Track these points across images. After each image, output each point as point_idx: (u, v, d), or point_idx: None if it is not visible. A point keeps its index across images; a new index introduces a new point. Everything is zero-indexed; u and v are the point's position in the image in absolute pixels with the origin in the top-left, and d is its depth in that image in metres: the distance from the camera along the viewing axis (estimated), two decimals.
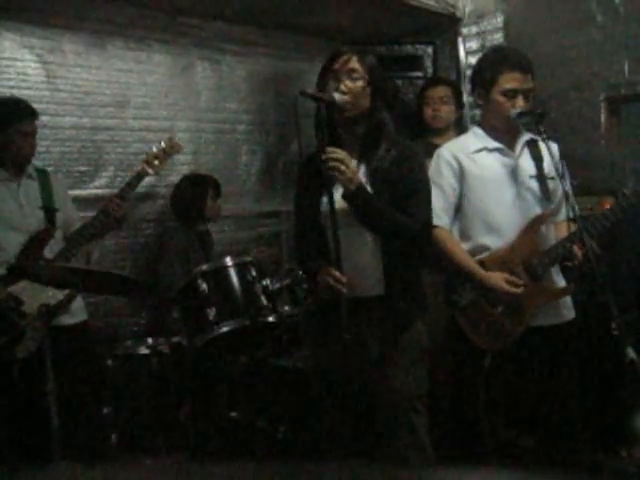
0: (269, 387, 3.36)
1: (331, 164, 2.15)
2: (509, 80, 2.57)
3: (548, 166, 2.61)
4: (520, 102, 2.56)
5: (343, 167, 2.16)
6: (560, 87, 3.83)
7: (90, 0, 3.65)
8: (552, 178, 2.60)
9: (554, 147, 2.53)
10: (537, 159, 2.65)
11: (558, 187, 2.58)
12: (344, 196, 2.20)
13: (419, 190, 2.32)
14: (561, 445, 2.65)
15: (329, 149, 2.17)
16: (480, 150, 2.66)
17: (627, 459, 3.00)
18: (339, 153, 2.17)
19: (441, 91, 3.63)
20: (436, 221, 2.50)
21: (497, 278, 2.56)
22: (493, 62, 2.64)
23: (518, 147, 2.67)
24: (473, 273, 2.59)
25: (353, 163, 2.25)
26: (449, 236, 2.64)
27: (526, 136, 2.68)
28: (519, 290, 2.55)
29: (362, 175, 2.29)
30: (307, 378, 3.04)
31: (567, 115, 3.83)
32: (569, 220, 2.45)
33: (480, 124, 2.76)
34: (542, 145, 2.59)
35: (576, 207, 2.39)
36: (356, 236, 2.27)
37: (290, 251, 4.18)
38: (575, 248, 2.50)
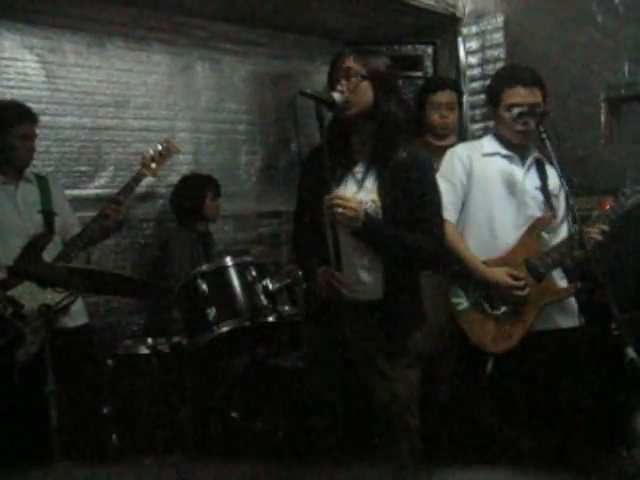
0: (269, 387, 3.36)
1: (335, 211, 2.13)
2: (512, 95, 2.62)
3: (552, 184, 2.68)
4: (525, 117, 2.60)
5: (341, 210, 2.13)
6: (560, 87, 3.82)
7: (90, 0, 3.65)
8: (555, 196, 2.66)
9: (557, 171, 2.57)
10: (543, 175, 2.71)
11: (560, 205, 2.67)
12: (352, 233, 2.19)
13: (433, 203, 2.31)
14: (561, 445, 2.65)
15: (326, 197, 2.14)
16: (493, 154, 2.71)
17: (627, 459, 3.00)
18: (336, 198, 2.14)
19: (448, 96, 3.54)
20: (444, 215, 2.51)
21: (500, 273, 2.57)
22: (498, 80, 2.73)
23: (528, 160, 2.73)
24: (476, 269, 2.60)
25: (352, 186, 2.24)
26: (454, 231, 2.65)
27: (535, 153, 2.74)
28: (522, 284, 2.56)
29: (371, 181, 2.28)
30: (306, 378, 3.04)
31: (567, 115, 3.82)
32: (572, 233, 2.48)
33: (494, 133, 2.81)
34: (548, 166, 2.68)
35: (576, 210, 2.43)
36: (354, 239, 2.27)
37: (290, 251, 4.18)
38: (601, 227, 2.51)
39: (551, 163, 2.55)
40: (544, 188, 2.68)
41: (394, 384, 2.28)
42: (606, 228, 2.52)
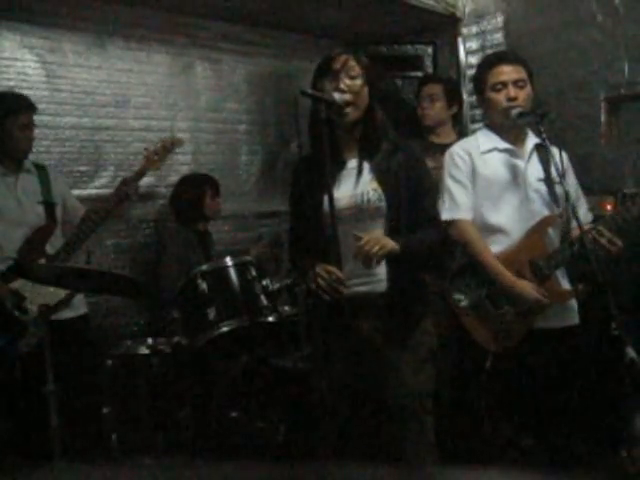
0: (269, 387, 3.36)
1: (373, 252, 2.15)
2: (495, 75, 2.63)
3: (556, 170, 2.62)
4: (511, 92, 2.59)
5: (378, 250, 2.15)
6: (560, 87, 3.82)
7: (90, 0, 3.65)
8: (559, 182, 2.62)
9: (564, 154, 2.55)
10: (545, 163, 2.67)
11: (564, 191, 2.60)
12: (396, 258, 2.22)
13: (429, 191, 2.38)
14: (561, 445, 2.65)
15: (358, 245, 2.15)
16: (491, 150, 2.69)
17: (627, 459, 3.00)
18: (369, 240, 2.15)
19: (431, 89, 3.66)
20: (460, 214, 2.51)
21: (527, 287, 2.56)
22: (481, 65, 2.76)
23: (527, 150, 2.69)
24: (498, 274, 2.58)
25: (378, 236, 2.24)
26: (473, 229, 2.65)
27: (534, 139, 2.71)
28: (546, 300, 2.55)
29: (366, 173, 2.30)
30: (307, 378, 3.04)
31: (567, 115, 3.82)
32: (582, 226, 2.46)
33: (487, 125, 2.79)
34: (550, 149, 2.61)
35: (589, 213, 2.41)
36: (359, 231, 2.26)
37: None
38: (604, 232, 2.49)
39: (543, 139, 2.53)
40: (547, 178, 2.65)
41: (407, 379, 2.27)
42: (620, 244, 2.49)
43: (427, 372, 2.32)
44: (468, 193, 2.66)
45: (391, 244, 2.18)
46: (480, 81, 2.70)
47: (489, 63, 2.69)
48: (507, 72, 2.61)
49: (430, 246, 2.33)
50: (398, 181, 2.27)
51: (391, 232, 2.27)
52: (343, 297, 2.18)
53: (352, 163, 2.35)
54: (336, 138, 2.35)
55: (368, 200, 2.28)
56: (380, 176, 2.29)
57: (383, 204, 2.27)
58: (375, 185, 2.28)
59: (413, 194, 2.28)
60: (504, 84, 2.61)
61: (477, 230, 2.66)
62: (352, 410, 2.36)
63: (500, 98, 2.61)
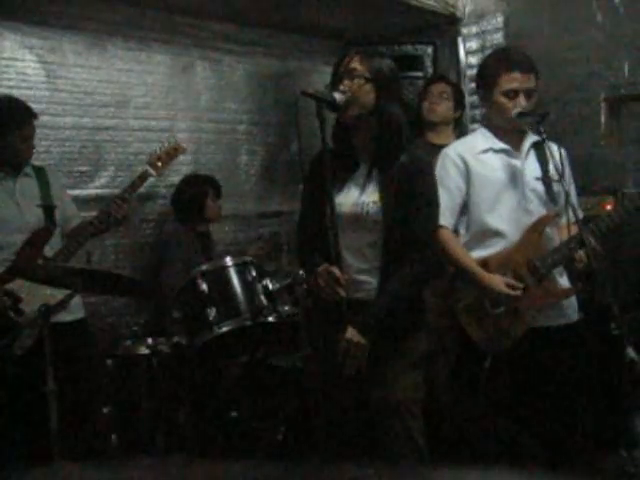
0: (269, 387, 3.36)
1: (349, 360, 2.19)
2: (509, 81, 2.59)
3: (554, 168, 2.62)
4: (522, 101, 2.57)
5: (353, 356, 2.19)
6: (560, 87, 3.82)
7: (90, 0, 3.66)
8: (557, 180, 2.61)
9: (562, 151, 2.55)
10: (543, 161, 2.66)
11: (562, 191, 2.60)
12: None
13: (427, 208, 2.30)
14: (561, 445, 2.65)
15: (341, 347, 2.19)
16: (486, 151, 2.67)
17: (627, 459, 3.00)
18: (347, 350, 2.19)
19: (441, 87, 3.68)
20: (440, 220, 2.50)
21: (497, 280, 2.56)
22: (494, 63, 2.67)
23: (524, 148, 2.68)
24: (474, 274, 2.59)
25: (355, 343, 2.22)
26: (451, 236, 2.64)
27: (532, 137, 2.69)
28: (518, 293, 2.55)
29: (374, 182, 2.29)
30: (306, 378, 3.04)
31: (567, 115, 3.82)
32: (570, 223, 2.46)
33: (485, 124, 2.77)
34: (549, 147, 2.60)
35: (578, 210, 2.41)
36: (356, 241, 2.28)
37: (290, 251, 4.18)
38: (581, 253, 2.48)
39: (544, 140, 2.51)
40: (545, 176, 2.64)
41: (389, 386, 2.26)
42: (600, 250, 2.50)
43: (414, 377, 2.31)
44: (452, 198, 2.64)
45: (366, 345, 2.19)
46: (490, 80, 2.64)
47: (505, 67, 2.61)
48: (521, 81, 2.57)
49: (409, 287, 2.26)
50: (399, 199, 2.23)
51: (385, 246, 2.26)
52: (342, 300, 2.18)
53: (362, 170, 2.33)
54: (349, 140, 2.34)
55: (367, 212, 2.26)
56: (384, 190, 2.25)
57: (381, 218, 2.25)
58: (376, 198, 2.26)
59: (411, 212, 2.24)
60: (516, 92, 2.58)
61: (452, 235, 2.65)
62: (342, 410, 2.35)
63: (510, 106, 2.58)
